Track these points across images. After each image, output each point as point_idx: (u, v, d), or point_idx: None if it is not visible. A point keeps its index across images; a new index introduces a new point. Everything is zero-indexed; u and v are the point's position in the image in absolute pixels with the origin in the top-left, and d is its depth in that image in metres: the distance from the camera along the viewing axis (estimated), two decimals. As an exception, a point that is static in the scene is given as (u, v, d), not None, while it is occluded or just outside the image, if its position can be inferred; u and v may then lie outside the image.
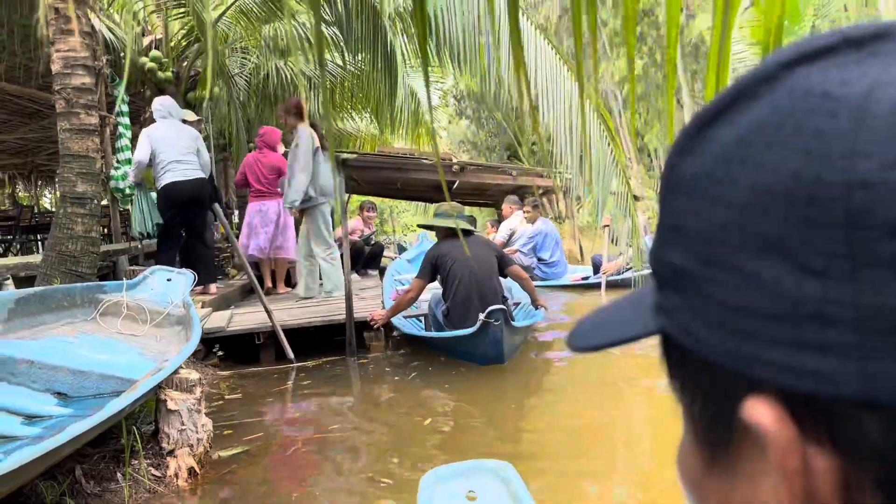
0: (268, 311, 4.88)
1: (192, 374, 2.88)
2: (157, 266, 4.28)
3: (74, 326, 3.55)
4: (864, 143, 0.23)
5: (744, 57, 12.78)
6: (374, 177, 10.46)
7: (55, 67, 4.46)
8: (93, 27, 4.79)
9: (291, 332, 5.02)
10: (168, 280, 4.11)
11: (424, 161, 9.92)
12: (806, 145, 0.24)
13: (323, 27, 8.70)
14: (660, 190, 0.32)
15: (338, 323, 5.08)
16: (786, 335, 0.25)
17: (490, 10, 4.96)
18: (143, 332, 3.69)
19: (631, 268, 7.46)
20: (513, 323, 4.42)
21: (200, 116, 7.17)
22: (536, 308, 5.28)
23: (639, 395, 3.81)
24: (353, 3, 6.79)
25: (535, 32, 5.07)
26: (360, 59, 7.89)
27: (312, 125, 6.25)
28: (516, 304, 5.57)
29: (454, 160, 10.29)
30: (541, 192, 10.99)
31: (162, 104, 5.97)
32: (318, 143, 6.14)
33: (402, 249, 11.26)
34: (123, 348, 3.49)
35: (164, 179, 5.73)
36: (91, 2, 4.82)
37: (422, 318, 5.69)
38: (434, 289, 5.30)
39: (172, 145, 5.71)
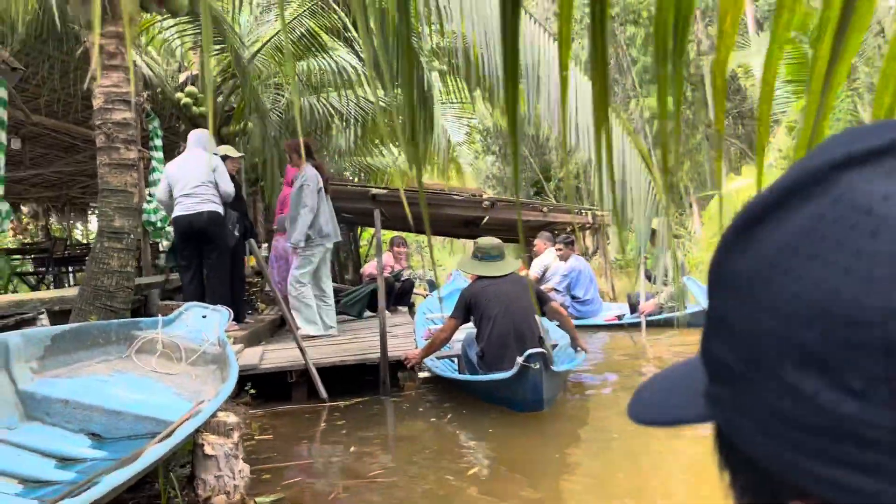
0: (301, 350, 4.79)
1: (230, 418, 2.79)
2: (193, 302, 4.23)
3: (109, 364, 3.49)
4: None
5: (779, 94, 12.63)
6: (403, 212, 10.43)
7: (97, 103, 4.48)
8: (134, 63, 4.82)
9: (323, 371, 4.92)
10: (203, 317, 4.05)
11: (455, 196, 9.87)
12: (847, 264, 0.25)
13: (356, 62, 8.79)
14: (708, 280, 0.32)
15: (371, 362, 4.98)
16: (827, 450, 0.25)
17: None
18: (179, 370, 3.61)
19: (671, 307, 7.28)
20: (553, 367, 4.09)
21: (242, 153, 7.19)
22: (576, 350, 4.97)
23: (681, 459, 3.55)
24: (392, 39, 6.80)
25: (575, 68, 5.02)
26: (395, 94, 7.90)
27: (317, 166, 6.19)
28: (554, 346, 5.16)
29: (484, 196, 10.22)
30: (570, 228, 10.87)
31: (191, 136, 6.00)
32: (321, 184, 6.08)
33: (432, 286, 11.03)
34: (158, 387, 3.41)
35: (175, 213, 5.77)
36: (133, 39, 4.87)
37: (454, 359, 5.43)
38: (467, 328, 5.04)
39: (184, 178, 5.72)
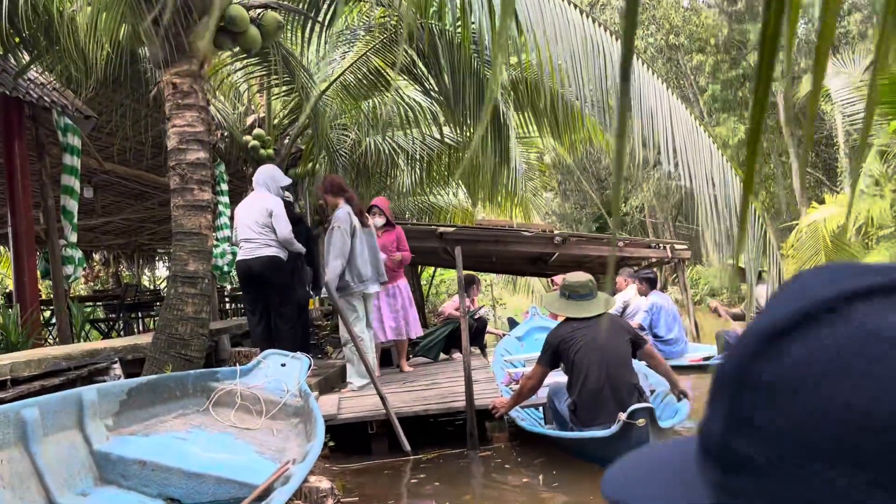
0: (382, 398, 4.48)
1: (323, 483, 2.48)
2: (270, 350, 3.97)
3: (187, 419, 3.23)
4: None
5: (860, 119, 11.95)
6: (470, 250, 10.09)
7: (171, 143, 4.34)
8: (208, 101, 4.70)
9: (404, 420, 4.59)
10: (282, 365, 3.79)
11: (524, 233, 9.53)
12: (875, 384, 0.29)
13: (425, 102, 8.62)
14: (729, 380, 0.34)
15: (456, 410, 4.62)
16: None
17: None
18: (259, 425, 3.33)
19: None
20: (660, 424, 3.65)
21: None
22: (678, 398, 4.39)
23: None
24: (462, 74, 6.59)
25: (668, 92, 4.67)
26: (466, 131, 7.68)
27: (349, 199, 5.64)
28: (652, 392, 4.68)
29: (555, 232, 9.86)
30: (646, 263, 10.38)
31: (257, 174, 5.82)
32: (356, 223, 5.56)
33: (513, 324, 10.47)
34: (239, 445, 3.13)
35: (237, 256, 5.64)
36: (206, 77, 4.75)
37: (539, 408, 5.02)
38: (553, 374, 4.53)
39: (243, 222, 5.52)
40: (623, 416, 3.53)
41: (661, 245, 9.79)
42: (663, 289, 16.18)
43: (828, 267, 0.34)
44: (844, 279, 0.32)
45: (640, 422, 3.52)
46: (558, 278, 8.99)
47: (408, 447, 4.41)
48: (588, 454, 3.99)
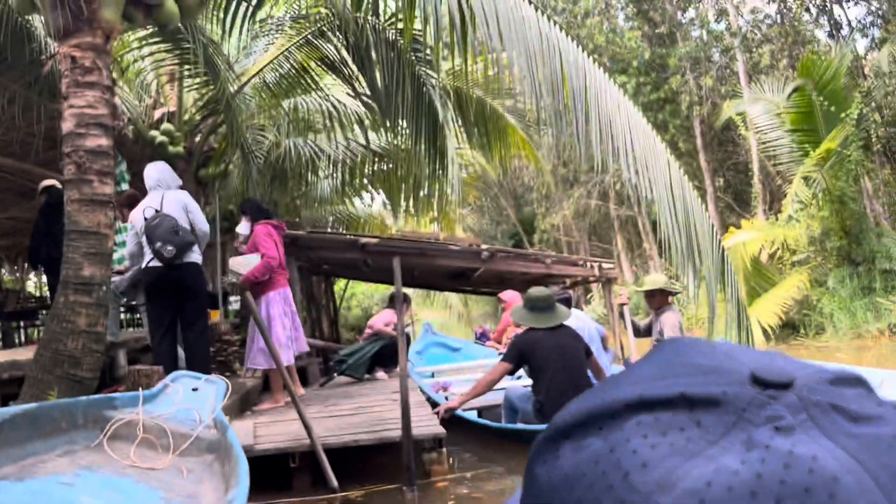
0: (307, 426, 3.95)
1: (252, 548, 1.96)
2: (181, 372, 3.39)
3: (74, 458, 2.62)
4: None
5: (782, 143, 12.35)
6: (390, 263, 9.67)
7: (67, 126, 3.70)
8: (113, 81, 4.07)
9: (331, 452, 4.08)
10: (194, 390, 3.21)
11: (451, 247, 9.15)
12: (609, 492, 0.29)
13: (351, 104, 8.13)
14: (526, 471, 0.34)
15: (389, 441, 4.14)
16: None
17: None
18: (165, 463, 2.76)
19: None
20: None
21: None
22: None
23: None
24: (397, 76, 6.15)
25: (625, 99, 4.40)
26: (398, 138, 7.24)
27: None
28: None
29: (483, 247, 9.53)
30: (570, 282, 10.21)
31: (158, 171, 5.17)
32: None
33: (428, 330, 10.94)
34: (140, 491, 2.55)
35: (146, 262, 4.92)
36: (114, 53, 4.12)
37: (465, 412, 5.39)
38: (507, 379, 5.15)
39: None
40: None
41: (588, 263, 9.63)
42: (578, 307, 16.20)
43: (669, 361, 0.32)
44: (641, 383, 0.31)
45: None
46: (505, 295, 8.73)
47: (334, 482, 3.89)
48: None
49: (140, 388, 3.49)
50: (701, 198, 13.41)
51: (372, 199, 14.59)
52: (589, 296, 19.84)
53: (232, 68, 6.88)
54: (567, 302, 7.58)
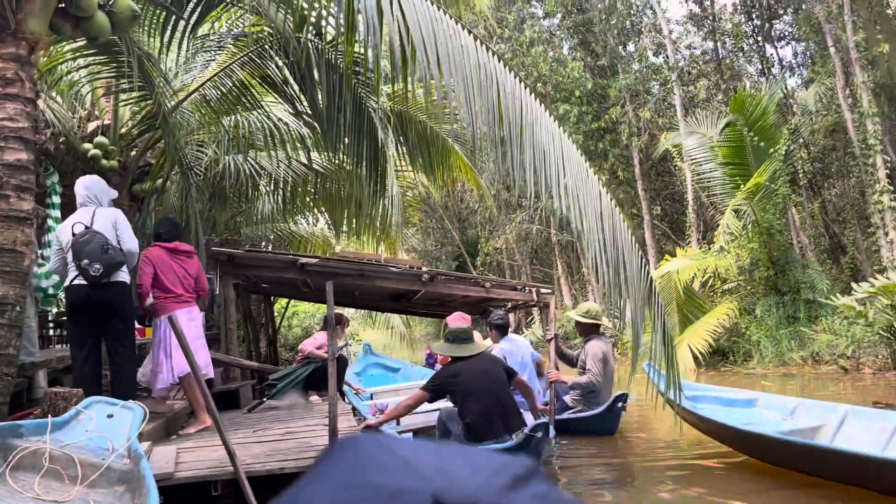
0: (230, 453, 3.84)
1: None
2: (96, 397, 3.27)
3: (-29, 490, 2.49)
4: None
5: (715, 175, 12.76)
6: (332, 283, 9.57)
7: (-16, 139, 3.55)
8: (37, 93, 3.94)
9: (255, 480, 3.97)
10: (109, 416, 3.10)
11: (392, 269, 9.10)
12: None
13: (293, 123, 8.06)
14: None
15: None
16: None
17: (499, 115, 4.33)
18: (72, 495, 2.64)
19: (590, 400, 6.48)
20: (549, 435, 4.91)
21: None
22: (536, 418, 5.51)
23: None
24: (339, 97, 6.14)
25: (560, 130, 4.48)
26: (342, 157, 7.19)
27: None
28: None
29: (423, 269, 9.52)
30: (511, 306, 10.27)
31: (86, 187, 5.00)
32: None
33: (368, 350, 11.32)
34: (42, 525, 2.44)
35: (69, 279, 4.73)
36: (38, 66, 4.00)
37: (402, 434, 5.86)
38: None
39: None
40: (526, 430, 4.65)
41: (527, 288, 9.71)
42: (517, 331, 16.30)
43: (347, 483, 0.33)
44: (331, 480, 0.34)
45: (539, 435, 4.62)
46: (450, 319, 8.75)
47: (259, 512, 3.79)
48: None
49: (57, 412, 3.36)
50: (638, 225, 13.78)
51: (316, 218, 14.49)
52: (530, 319, 20.04)
53: (169, 84, 6.75)
54: (504, 327, 7.60)
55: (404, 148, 8.70)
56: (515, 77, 4.51)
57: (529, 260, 22.32)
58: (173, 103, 6.91)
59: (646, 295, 4.31)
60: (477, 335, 5.49)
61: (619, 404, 6.08)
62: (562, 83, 15.75)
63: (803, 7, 14.95)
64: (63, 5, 3.88)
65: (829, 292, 10.92)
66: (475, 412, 4.86)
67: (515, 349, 7.35)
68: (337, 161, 8.04)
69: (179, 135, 7.74)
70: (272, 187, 9.70)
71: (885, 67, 13.00)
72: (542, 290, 10.02)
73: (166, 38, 6.09)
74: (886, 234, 11.17)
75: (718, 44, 16.06)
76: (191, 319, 5.56)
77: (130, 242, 4.88)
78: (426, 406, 5.45)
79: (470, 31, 4.41)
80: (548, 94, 16.05)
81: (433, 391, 5.07)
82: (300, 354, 7.32)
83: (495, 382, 5.00)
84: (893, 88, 13.80)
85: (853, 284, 9.96)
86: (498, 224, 20.31)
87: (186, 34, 6.24)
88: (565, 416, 6.42)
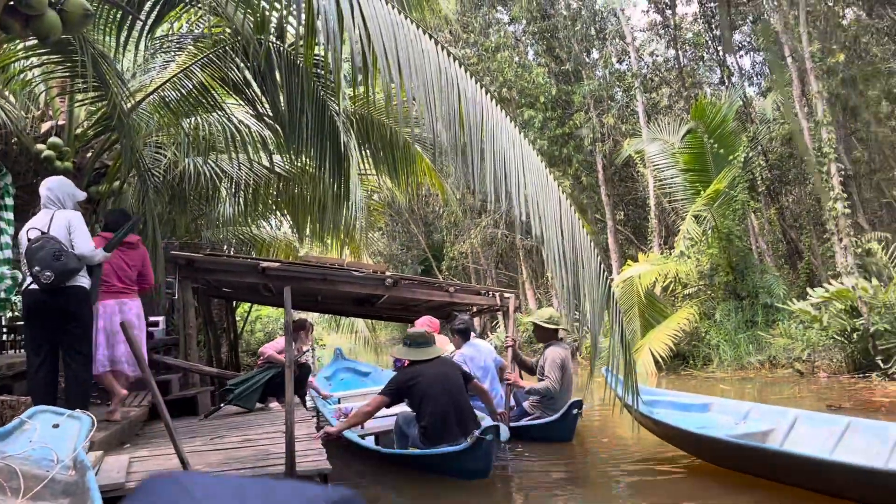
0: (183, 462, 3.77)
1: None
2: (41, 407, 3.17)
3: None
4: None
5: (676, 181, 12.95)
6: (295, 288, 9.38)
7: (-74, 139, 3.43)
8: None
9: (211, 488, 3.91)
10: (55, 426, 3.01)
11: (355, 273, 9.06)
12: None
13: (255, 125, 7.97)
14: None
15: (274, 478, 4.01)
16: None
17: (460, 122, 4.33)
18: (13, 509, 2.56)
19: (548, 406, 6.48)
20: (500, 438, 4.90)
21: None
22: (495, 421, 5.50)
23: None
24: (301, 100, 6.08)
25: (521, 136, 4.50)
26: (305, 160, 7.12)
27: None
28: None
29: (387, 273, 9.48)
30: (476, 310, 10.29)
31: (48, 189, 4.88)
32: None
33: (339, 355, 11.36)
34: (-21, 540, 2.35)
35: (25, 284, 4.64)
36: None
37: (364, 437, 5.99)
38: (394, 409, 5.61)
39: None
40: (477, 433, 4.65)
41: (490, 293, 9.74)
42: (483, 335, 16.30)
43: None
44: None
45: (489, 437, 4.66)
46: (418, 323, 8.78)
47: (213, 522, 3.73)
48: (441, 468, 4.94)
49: (4, 421, 3.26)
50: (601, 230, 13.90)
51: (279, 222, 14.34)
52: (494, 324, 20.09)
53: (125, 84, 6.62)
54: (466, 332, 7.57)
55: (368, 151, 8.65)
56: (477, 82, 4.51)
57: (495, 264, 22.39)
58: (130, 104, 6.77)
59: (604, 300, 4.34)
60: (443, 339, 5.64)
61: (575, 411, 6.07)
62: (527, 89, 15.85)
63: (762, 18, 15.28)
64: (12, 3, 3.77)
65: (786, 297, 11.16)
66: (431, 416, 4.99)
67: (477, 354, 7.32)
68: (299, 164, 7.97)
69: (137, 136, 7.60)
70: (234, 190, 9.57)
71: (839, 77, 13.34)
72: (506, 295, 10.07)
73: (122, 38, 5.96)
74: (840, 240, 11.44)
75: (680, 52, 16.33)
76: (123, 311, 5.50)
77: (83, 246, 4.75)
78: (391, 410, 5.57)
79: (432, 36, 4.40)
80: (513, 100, 16.13)
81: (391, 395, 5.16)
82: (261, 358, 7.23)
83: (452, 386, 5.11)
84: (848, 98, 14.18)
85: (809, 289, 10.20)
86: (463, 228, 20.35)
87: (144, 34, 6.13)
88: (521, 422, 6.42)
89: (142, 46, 6.58)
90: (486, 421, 5.59)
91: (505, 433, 5.46)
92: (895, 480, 3.51)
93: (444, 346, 5.68)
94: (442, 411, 4.99)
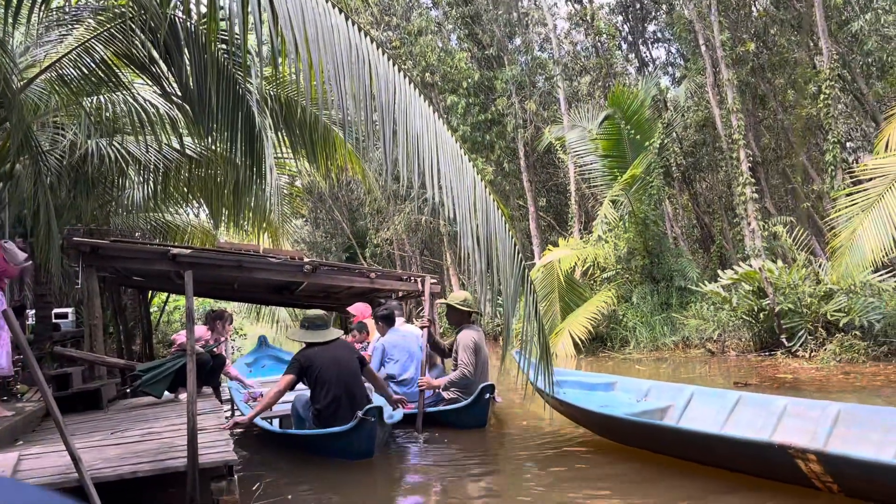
0: (74, 457, 3.53)
1: None
2: None
3: None
4: None
5: (595, 167, 13.15)
6: (209, 276, 9.11)
7: None
8: None
9: (107, 486, 3.68)
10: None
11: (271, 259, 8.79)
12: None
13: (163, 106, 7.60)
14: None
15: (174, 471, 3.82)
16: None
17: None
18: None
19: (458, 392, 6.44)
20: (385, 419, 5.01)
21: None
22: (394, 407, 5.75)
23: None
24: (208, 77, 5.79)
25: (435, 116, 4.41)
26: (215, 142, 6.81)
27: None
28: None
29: (305, 259, 9.25)
30: (400, 296, 10.18)
31: None
32: None
33: (263, 342, 11.33)
34: None
35: None
36: None
37: (272, 421, 6.26)
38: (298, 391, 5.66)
39: None
40: (360, 413, 4.73)
41: (412, 278, 9.65)
42: (410, 321, 16.22)
43: None
44: None
45: (372, 418, 4.75)
46: (354, 308, 8.67)
47: (108, 521, 3.51)
48: (328, 448, 5.03)
49: None
50: (523, 216, 13.98)
51: (196, 209, 13.84)
52: (420, 310, 20.06)
53: (13, 61, 6.18)
54: (389, 318, 7.45)
55: (284, 133, 8.39)
56: (390, 59, 4.40)
57: (420, 251, 22.33)
58: (21, 81, 6.33)
59: (518, 283, 4.32)
60: (335, 328, 5.70)
61: (487, 395, 5.97)
62: (449, 74, 15.79)
63: (675, 8, 15.69)
64: None
65: (698, 280, 11.53)
66: (324, 399, 5.09)
67: (402, 341, 7.19)
68: (212, 146, 7.65)
69: (32, 116, 7.13)
70: (143, 174, 9.14)
71: (749, 66, 13.83)
72: (429, 281, 10.01)
73: (12, 7, 5.55)
74: (749, 223, 11.90)
75: (598, 41, 16.59)
76: None
77: None
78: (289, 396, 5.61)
79: (342, 11, 4.25)
80: (436, 85, 16.05)
81: (296, 371, 5.18)
82: (174, 346, 6.93)
83: (345, 370, 5.18)
84: (757, 86, 14.73)
85: (719, 272, 10.56)
86: (387, 215, 20.19)
87: (37, 5, 5.73)
88: (432, 409, 6.31)
89: (34, 19, 6.15)
90: (388, 411, 5.62)
91: (396, 416, 5.76)
92: (771, 451, 3.56)
93: (336, 330, 5.62)
94: (334, 395, 5.08)
